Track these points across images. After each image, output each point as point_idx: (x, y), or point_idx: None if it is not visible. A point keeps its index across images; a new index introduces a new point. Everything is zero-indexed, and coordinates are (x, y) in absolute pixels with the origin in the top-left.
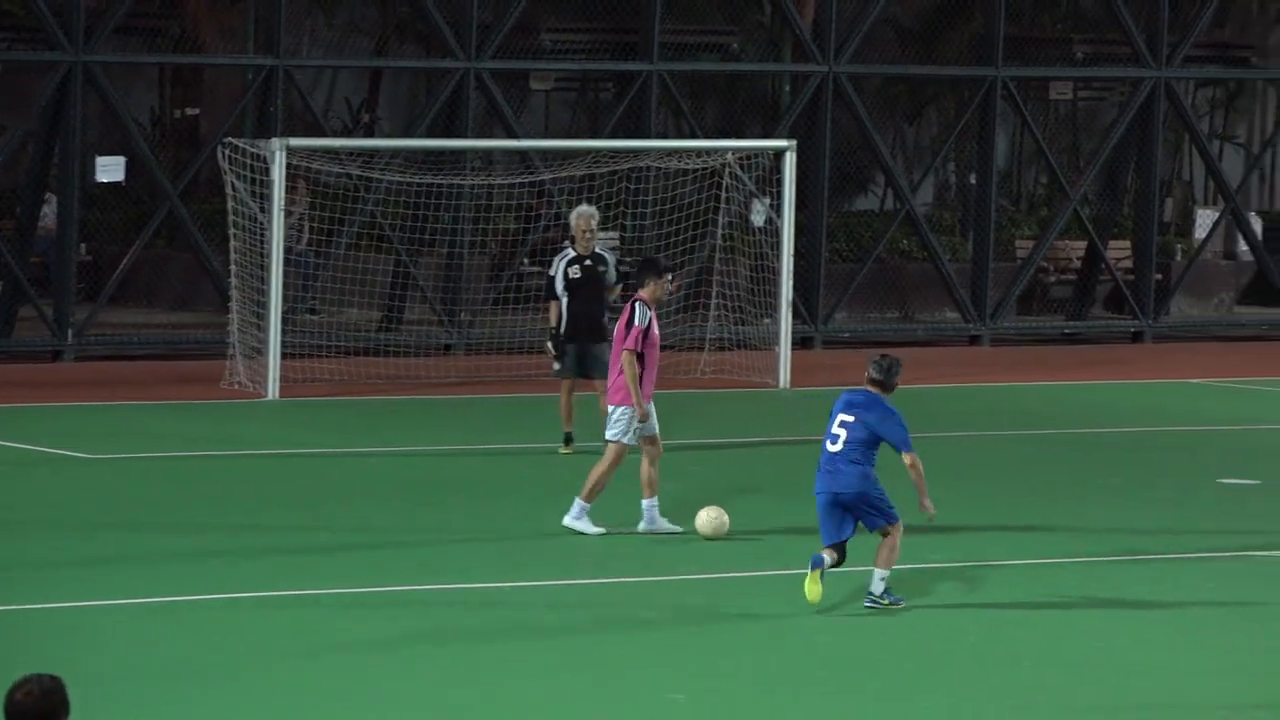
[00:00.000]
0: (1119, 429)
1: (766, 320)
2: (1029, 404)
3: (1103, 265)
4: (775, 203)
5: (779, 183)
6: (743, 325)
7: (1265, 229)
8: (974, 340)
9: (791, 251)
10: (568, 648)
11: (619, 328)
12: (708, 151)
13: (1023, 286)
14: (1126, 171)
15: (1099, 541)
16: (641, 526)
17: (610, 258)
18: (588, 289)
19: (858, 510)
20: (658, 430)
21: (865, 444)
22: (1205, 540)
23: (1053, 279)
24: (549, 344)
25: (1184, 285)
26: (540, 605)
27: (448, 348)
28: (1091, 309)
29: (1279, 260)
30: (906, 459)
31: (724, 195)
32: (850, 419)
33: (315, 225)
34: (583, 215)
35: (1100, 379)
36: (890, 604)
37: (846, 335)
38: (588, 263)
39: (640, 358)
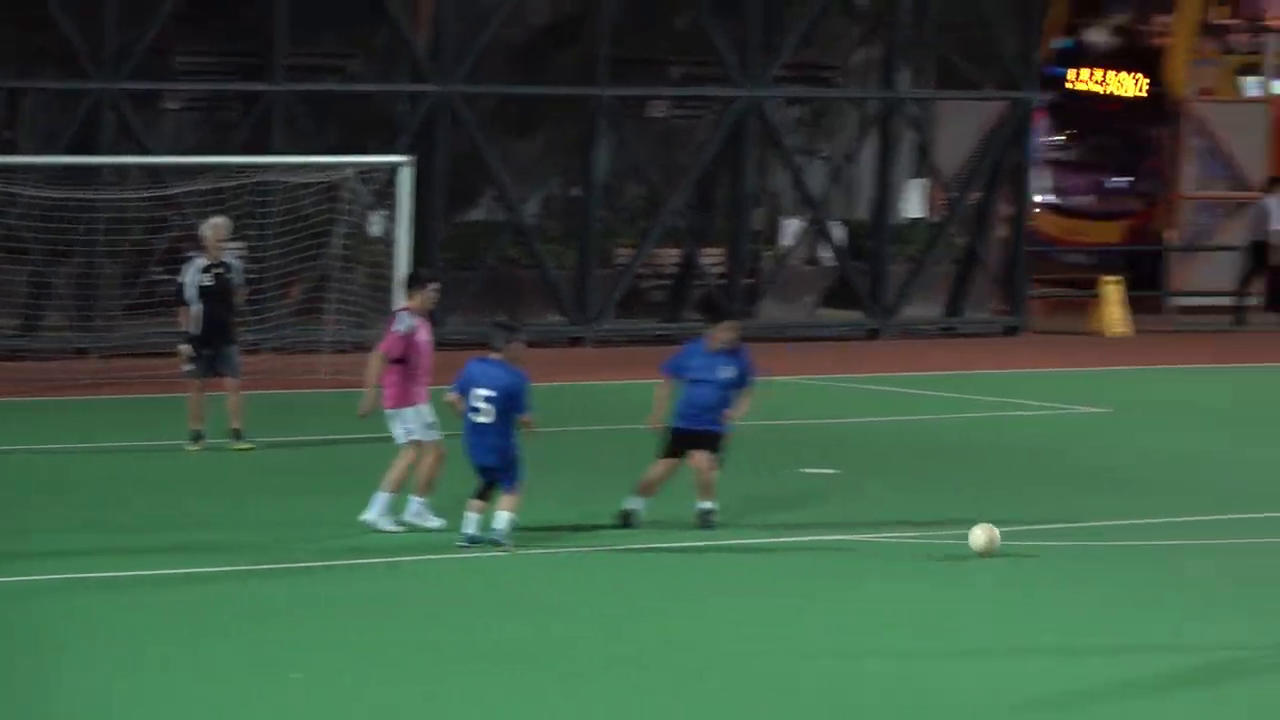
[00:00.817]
0: None
1: (383, 324)
2: (630, 400)
3: (696, 271)
4: (392, 214)
5: (395, 196)
6: (362, 329)
7: (847, 236)
8: (577, 342)
9: (407, 259)
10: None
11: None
12: (328, 167)
13: (623, 292)
14: (718, 184)
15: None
16: (405, 517)
17: (237, 265)
18: (218, 295)
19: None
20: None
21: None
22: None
23: (651, 285)
24: (182, 346)
25: (772, 289)
26: (152, 587)
27: (83, 351)
28: (685, 312)
29: (858, 266)
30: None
31: (343, 207)
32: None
33: None
34: (217, 226)
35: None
36: (504, 547)
37: (459, 338)
38: (218, 270)
39: (404, 362)
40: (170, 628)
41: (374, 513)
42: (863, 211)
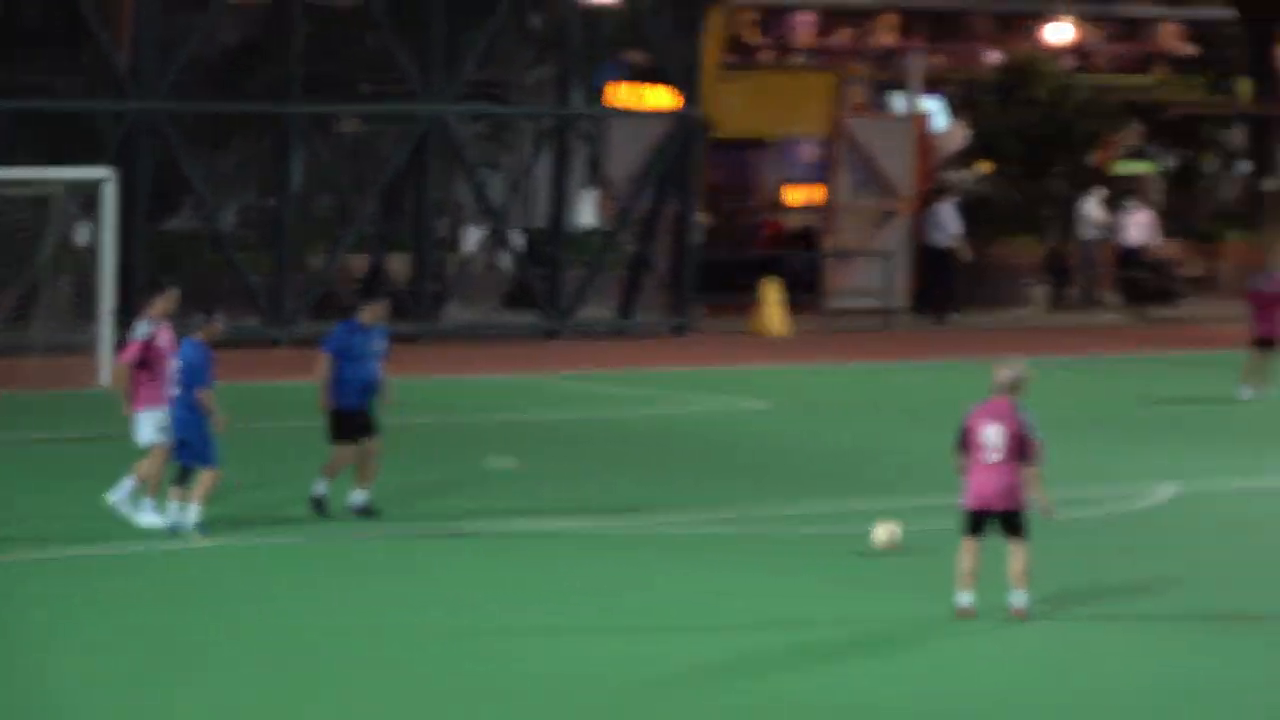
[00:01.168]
0: (403, 419)
1: (91, 327)
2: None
3: (384, 276)
4: (97, 224)
5: (100, 207)
6: (69, 333)
7: (526, 244)
8: (274, 343)
9: (113, 266)
10: None
11: None
12: (35, 181)
13: (316, 296)
14: (405, 194)
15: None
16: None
17: None
18: None
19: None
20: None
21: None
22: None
23: (342, 289)
24: None
25: (455, 293)
26: None
27: None
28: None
29: (536, 271)
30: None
31: (51, 218)
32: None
33: None
34: None
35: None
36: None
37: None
38: None
39: (146, 366)
40: None
41: (119, 494)
42: (540, 220)
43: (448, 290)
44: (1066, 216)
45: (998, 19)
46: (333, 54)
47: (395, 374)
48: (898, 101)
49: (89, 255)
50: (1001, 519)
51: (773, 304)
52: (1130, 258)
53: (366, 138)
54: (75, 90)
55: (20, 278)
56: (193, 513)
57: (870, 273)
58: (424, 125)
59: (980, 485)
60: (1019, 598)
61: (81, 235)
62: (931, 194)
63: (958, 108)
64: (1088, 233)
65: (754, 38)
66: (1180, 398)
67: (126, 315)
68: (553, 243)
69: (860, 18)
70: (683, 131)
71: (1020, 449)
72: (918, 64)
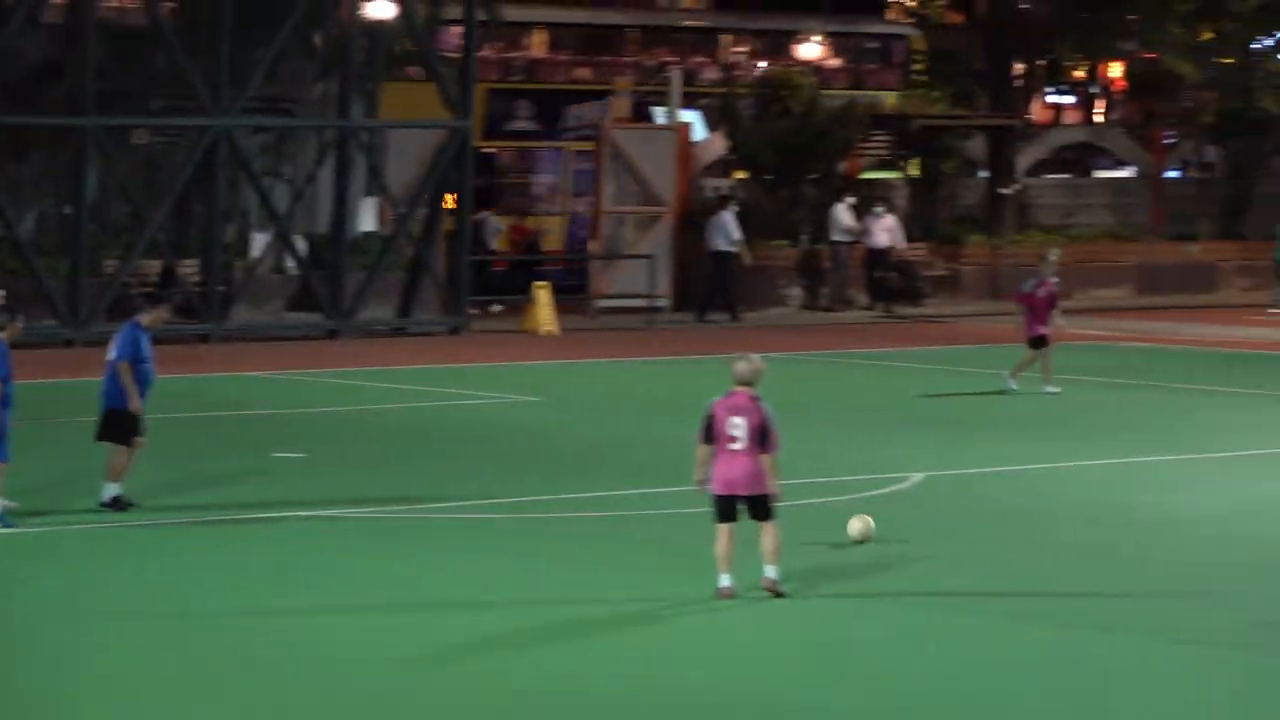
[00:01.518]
0: (195, 414)
1: None
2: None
3: (176, 279)
4: None
5: None
6: None
7: (309, 248)
8: (69, 344)
9: None
10: None
11: None
12: None
13: (110, 298)
14: (195, 202)
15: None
16: None
17: None
18: None
19: None
20: None
21: None
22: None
23: (136, 291)
24: None
25: (243, 295)
26: None
27: None
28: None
29: (319, 274)
30: None
31: None
32: None
33: None
34: None
35: (177, 373)
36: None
37: None
38: None
39: None
40: None
41: None
42: (323, 226)
43: (235, 292)
44: (819, 221)
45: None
46: (126, 70)
47: (187, 371)
48: (659, 114)
49: None
50: (749, 503)
51: (543, 304)
52: (878, 260)
53: (159, 149)
54: None
55: None
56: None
57: (635, 275)
58: (212, 137)
59: (726, 472)
60: (771, 570)
61: None
62: (715, 202)
63: (715, 120)
64: (839, 236)
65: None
66: (931, 392)
67: None
68: (334, 247)
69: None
70: (456, 142)
71: (761, 438)
72: (677, 78)
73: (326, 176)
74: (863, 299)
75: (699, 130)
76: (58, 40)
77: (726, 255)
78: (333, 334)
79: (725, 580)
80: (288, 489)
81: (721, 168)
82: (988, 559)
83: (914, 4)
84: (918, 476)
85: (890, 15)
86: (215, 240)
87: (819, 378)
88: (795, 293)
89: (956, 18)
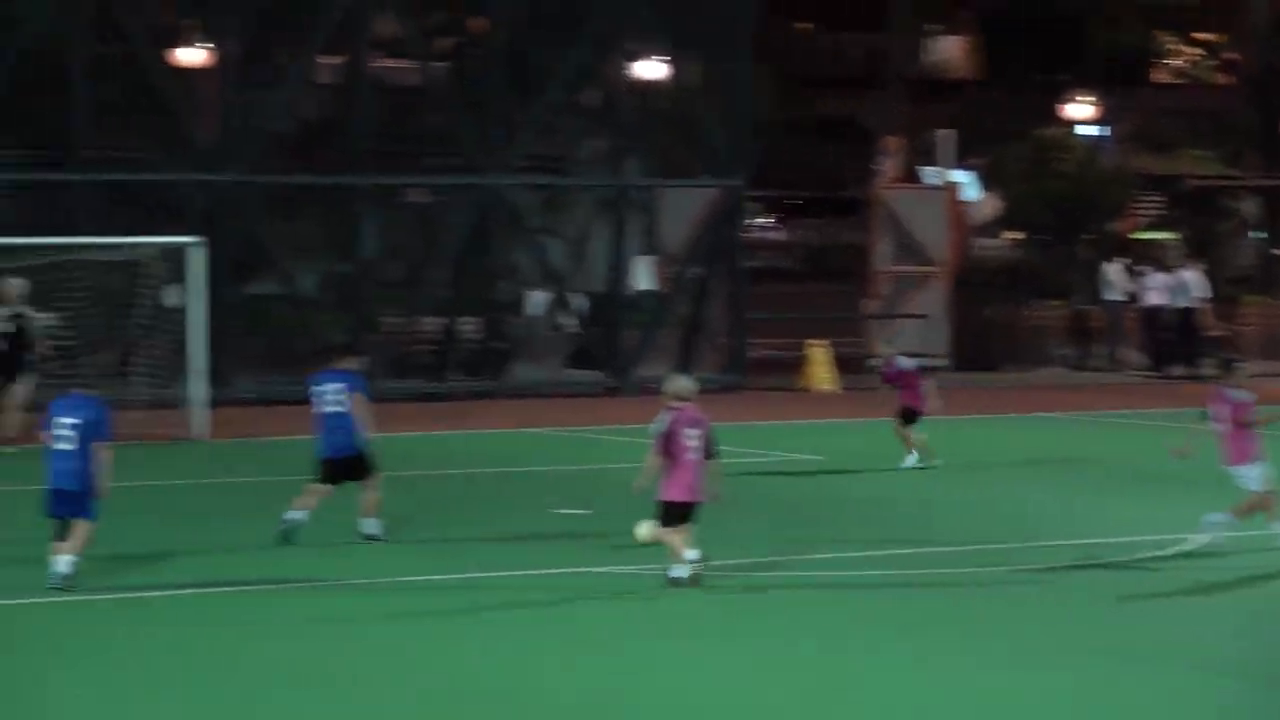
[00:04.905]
0: (473, 469)
1: (183, 384)
2: (400, 450)
3: (455, 337)
4: (186, 288)
5: (188, 272)
6: (163, 389)
7: (586, 306)
8: None
9: (203, 327)
10: None
11: None
12: (127, 246)
13: (392, 355)
14: (471, 260)
15: (456, 561)
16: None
17: (33, 317)
18: (16, 338)
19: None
20: None
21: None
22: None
23: (415, 349)
24: None
25: (522, 353)
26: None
27: None
28: (447, 373)
29: (596, 333)
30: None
31: (143, 282)
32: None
33: None
34: (12, 284)
35: (456, 429)
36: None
37: (250, 396)
38: (16, 318)
39: None
40: None
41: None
42: (599, 284)
43: (514, 350)
44: (1091, 281)
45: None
46: (399, 130)
47: (467, 427)
48: (930, 174)
49: (179, 317)
50: (697, 507)
51: (820, 362)
52: (1153, 319)
53: (434, 207)
54: (162, 162)
55: (117, 338)
56: (64, 564)
57: (911, 334)
58: (485, 195)
59: (686, 479)
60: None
61: (172, 298)
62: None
63: (985, 180)
64: (1111, 296)
65: None
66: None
67: (216, 372)
68: (611, 305)
69: None
70: (729, 200)
71: (709, 448)
72: (947, 139)
73: (601, 234)
74: (1135, 358)
75: (970, 190)
76: (332, 99)
77: (1189, 311)
78: (612, 391)
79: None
80: (569, 545)
81: (992, 228)
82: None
83: (1186, 64)
84: (1201, 538)
85: (1159, 77)
86: (492, 298)
87: (1089, 438)
88: (1066, 352)
89: (1226, 78)
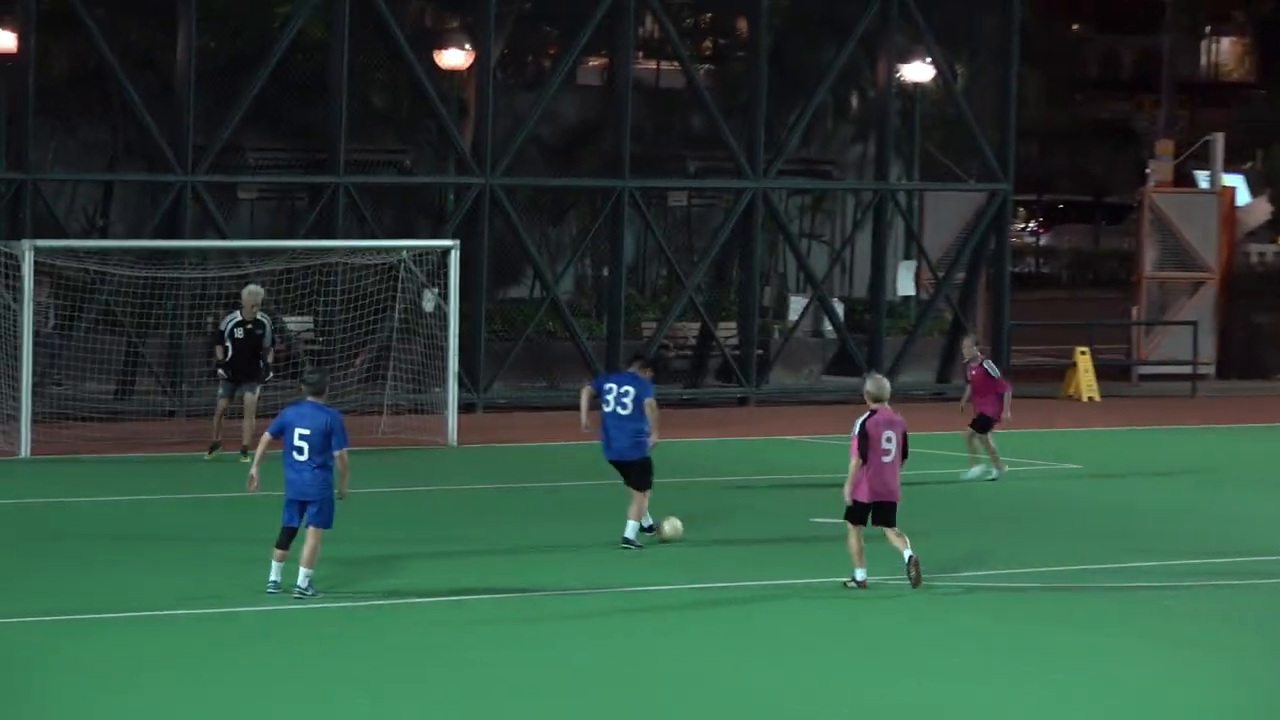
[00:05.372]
0: (730, 477)
1: (437, 389)
2: (656, 457)
3: (713, 342)
4: (442, 292)
5: (445, 275)
6: (417, 393)
7: (846, 312)
8: None
9: (456, 331)
10: None
11: None
12: (385, 250)
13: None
14: (732, 265)
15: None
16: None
17: (268, 325)
18: (247, 345)
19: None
20: None
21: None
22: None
23: (673, 354)
24: (220, 370)
25: (780, 359)
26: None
27: (171, 413)
28: (705, 379)
29: (857, 338)
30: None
31: (400, 286)
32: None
33: (60, 312)
34: (251, 292)
35: (714, 436)
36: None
37: (503, 402)
38: (249, 326)
39: None
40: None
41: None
42: (860, 289)
43: (773, 356)
44: None
45: None
46: (662, 133)
47: (723, 434)
48: (1202, 178)
49: (435, 321)
50: (891, 507)
51: (1085, 370)
52: None
53: (696, 211)
54: (421, 166)
55: (371, 341)
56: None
57: (1179, 341)
58: (749, 200)
59: (876, 479)
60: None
61: (428, 302)
62: None
63: (1258, 184)
64: None
65: None
66: None
67: (470, 377)
68: (872, 311)
69: None
70: (995, 204)
71: (905, 449)
72: (1219, 142)
73: (864, 239)
74: None
75: (1242, 194)
76: (595, 102)
77: None
78: None
79: (860, 573)
80: (831, 554)
81: (1265, 232)
82: None
83: None
84: None
85: None
86: (752, 303)
87: None
88: None
89: None
